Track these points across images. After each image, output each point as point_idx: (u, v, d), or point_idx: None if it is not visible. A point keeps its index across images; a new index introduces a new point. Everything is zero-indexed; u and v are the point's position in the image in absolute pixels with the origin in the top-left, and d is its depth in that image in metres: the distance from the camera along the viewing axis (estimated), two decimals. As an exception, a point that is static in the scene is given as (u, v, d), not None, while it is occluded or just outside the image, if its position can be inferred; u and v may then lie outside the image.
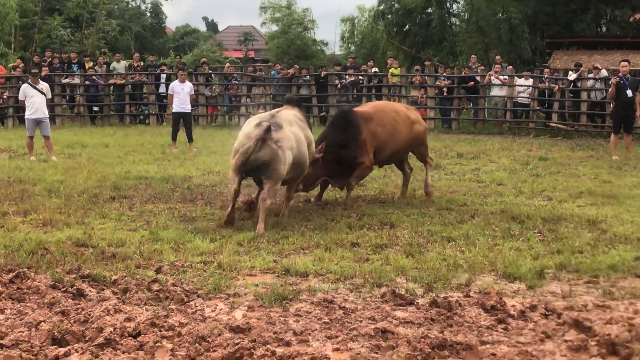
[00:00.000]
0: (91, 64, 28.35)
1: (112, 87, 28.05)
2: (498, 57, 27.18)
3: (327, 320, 6.10)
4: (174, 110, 19.78)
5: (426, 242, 9.12)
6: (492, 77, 25.37)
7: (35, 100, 17.25)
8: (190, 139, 19.49)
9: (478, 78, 25.78)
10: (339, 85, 27.10)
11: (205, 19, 75.57)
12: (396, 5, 33.48)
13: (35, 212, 10.48)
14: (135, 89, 27.75)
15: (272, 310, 6.37)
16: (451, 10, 34.60)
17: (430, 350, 5.32)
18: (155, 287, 6.88)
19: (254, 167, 9.83)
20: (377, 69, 27.64)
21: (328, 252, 8.49)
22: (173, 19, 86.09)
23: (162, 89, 26.80)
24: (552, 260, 8.17)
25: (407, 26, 33.92)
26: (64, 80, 27.26)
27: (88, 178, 13.79)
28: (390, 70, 26.88)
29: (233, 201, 10.11)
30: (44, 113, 17.41)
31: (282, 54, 34.81)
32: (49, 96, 17.83)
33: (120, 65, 28.53)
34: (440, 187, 13.38)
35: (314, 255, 8.33)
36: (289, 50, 34.47)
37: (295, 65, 28.63)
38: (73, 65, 28.38)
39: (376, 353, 5.43)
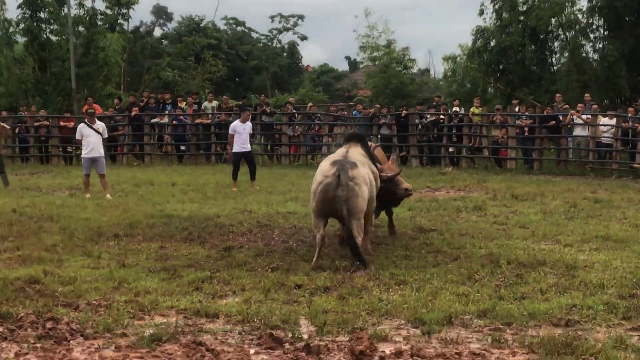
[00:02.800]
0: (184, 104, 29.28)
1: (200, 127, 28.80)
2: (587, 95, 26.47)
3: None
4: (235, 151, 19.90)
5: (373, 286, 9.03)
6: (574, 117, 24.68)
7: (91, 139, 18.00)
8: (252, 178, 19.80)
9: (561, 117, 25.13)
10: (420, 125, 26.99)
11: (347, 58, 76.36)
12: (491, 43, 33.14)
13: (23, 249, 10.95)
14: (221, 128, 28.42)
15: (136, 351, 6.48)
16: (550, 47, 33.87)
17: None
18: (49, 324, 7.10)
19: (335, 206, 10.15)
20: (457, 109, 27.38)
21: (262, 294, 8.53)
22: (320, 57, 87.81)
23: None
24: (480, 306, 7.96)
25: (502, 64, 33.45)
26: (153, 120, 28.27)
27: (114, 216, 14.27)
28: (471, 110, 26.60)
29: (319, 248, 10.36)
30: (99, 152, 18.13)
31: (379, 93, 34.93)
32: (105, 135, 18.54)
33: (211, 105, 29.33)
34: (453, 230, 13.16)
35: (244, 297, 8.40)
36: (386, 89, 34.51)
37: (377, 105, 28.68)
38: (167, 105, 29.40)
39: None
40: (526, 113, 25.89)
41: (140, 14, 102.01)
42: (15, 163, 28.13)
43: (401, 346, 6.65)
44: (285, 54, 62.36)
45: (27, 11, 36.35)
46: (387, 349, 6.57)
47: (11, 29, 35.73)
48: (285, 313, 7.64)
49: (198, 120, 28.42)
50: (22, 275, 9.25)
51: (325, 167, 10.51)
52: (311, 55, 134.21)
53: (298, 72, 62.13)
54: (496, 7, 33.36)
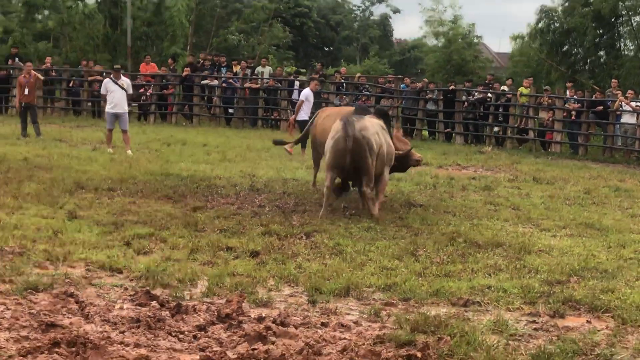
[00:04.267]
0: (238, 67, 29.44)
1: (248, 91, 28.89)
2: (643, 82, 25.66)
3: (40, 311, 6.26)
4: (302, 118, 18.92)
5: (309, 254, 9.00)
6: (623, 103, 23.92)
7: (115, 94, 18.31)
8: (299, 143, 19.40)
9: (609, 103, 24.39)
10: (466, 103, 26.59)
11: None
12: (555, 24, 32.32)
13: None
14: (269, 93, 28.48)
15: (6, 298, 6.59)
16: (619, 31, 32.80)
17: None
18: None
19: (345, 159, 10.98)
20: (506, 88, 26.80)
21: (185, 254, 8.61)
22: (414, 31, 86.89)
23: (294, 96, 27.29)
24: (390, 280, 7.88)
25: (565, 46, 32.59)
26: (203, 82, 28.51)
27: (114, 171, 14.51)
28: (519, 90, 26.03)
29: (326, 199, 11.38)
30: (122, 108, 18.41)
31: (440, 68, 34.55)
32: (130, 92, 18.79)
33: (265, 70, 29.41)
34: (440, 207, 13.00)
35: (163, 255, 8.50)
36: (447, 65, 34.10)
37: (425, 79, 28.34)
38: (222, 68, 29.61)
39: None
40: (574, 96, 25.18)
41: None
42: (68, 115, 28.75)
43: (270, 312, 6.63)
44: (376, 26, 61.89)
45: (102, -33, 37.04)
46: (254, 313, 6.56)
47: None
48: (188, 273, 7.69)
49: (247, 85, 28.50)
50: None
51: (335, 125, 11.29)
52: (409, 30, 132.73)
53: (389, 45, 61.64)
54: (566, -14, 32.43)
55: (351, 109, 13.16)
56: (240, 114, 28.75)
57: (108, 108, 18.46)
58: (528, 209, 13.32)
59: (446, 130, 26.99)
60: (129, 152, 17.87)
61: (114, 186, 12.88)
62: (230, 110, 28.89)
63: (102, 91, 18.73)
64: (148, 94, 28.72)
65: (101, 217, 10.33)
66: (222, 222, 10.57)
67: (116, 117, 18.38)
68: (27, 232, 9.07)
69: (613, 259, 9.51)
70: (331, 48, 61.15)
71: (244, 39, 40.29)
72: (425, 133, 27.98)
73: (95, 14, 36.36)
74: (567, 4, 32.23)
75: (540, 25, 32.51)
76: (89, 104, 29.29)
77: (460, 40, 35.15)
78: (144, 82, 29.03)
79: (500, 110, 26.43)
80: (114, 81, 18.38)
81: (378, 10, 64.66)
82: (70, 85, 29.33)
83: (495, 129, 26.47)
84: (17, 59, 28.69)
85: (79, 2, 36.37)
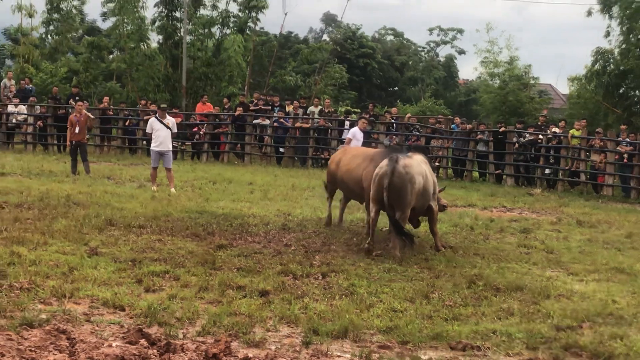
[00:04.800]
0: (290, 107, 29.70)
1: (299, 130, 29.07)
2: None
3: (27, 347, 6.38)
4: None
5: (320, 294, 9.00)
6: (677, 147, 23.46)
7: (160, 133, 18.61)
8: None
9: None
10: (517, 144, 26.35)
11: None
12: (611, 66, 31.87)
13: (24, 232, 11.49)
14: (320, 133, 28.61)
15: (1, 333, 6.72)
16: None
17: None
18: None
19: (387, 194, 11.41)
20: (557, 130, 26.47)
21: (193, 292, 8.67)
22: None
23: (344, 135, 27.35)
24: (394, 323, 7.84)
25: (621, 88, 32.08)
26: (255, 121, 28.79)
27: (150, 209, 14.71)
28: (570, 132, 25.71)
29: (372, 230, 11.92)
30: (167, 146, 18.70)
31: (495, 109, 34.33)
32: (175, 130, 19.07)
33: (316, 110, 29.59)
34: (470, 249, 12.89)
35: (170, 292, 8.57)
36: (502, 106, 33.88)
37: (475, 121, 28.16)
38: (275, 107, 29.90)
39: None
40: (627, 139, 24.76)
41: (310, 22, 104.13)
42: (123, 154, 29.26)
43: (259, 352, 6.64)
44: (441, 67, 61.95)
45: (164, 10, 37.86)
46: (241, 353, 6.57)
47: (145, 26, 37.06)
48: (189, 311, 7.74)
49: (298, 124, 28.69)
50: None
51: (383, 162, 11.80)
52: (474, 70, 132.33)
53: (454, 86, 61.67)
54: (623, 29, 31.98)
55: (378, 150, 13.32)
56: (291, 153, 28.90)
57: (153, 146, 18.75)
58: (562, 252, 13.15)
59: (497, 172, 26.73)
60: (173, 190, 18.08)
61: (145, 223, 13.05)
62: (281, 150, 29.06)
63: (148, 130, 19.04)
64: (201, 132, 29.10)
65: (122, 254, 10.48)
66: (242, 260, 10.65)
67: (161, 155, 18.64)
68: (43, 268, 9.24)
69: (633, 305, 9.34)
70: (395, 88, 61.34)
71: (300, 79, 40.59)
72: (476, 174, 27.73)
73: (156, 54, 37.03)
74: (623, 45, 31.77)
75: (596, 67, 32.07)
76: (145, 142, 29.71)
77: (514, 82, 34.81)
78: (198, 122, 29.42)
79: (552, 152, 26.09)
80: (159, 120, 18.68)
81: (443, 51, 64.76)
82: (127, 124, 29.85)
83: (547, 171, 26.12)
84: (77, 99, 29.32)
85: (142, 43, 37.04)
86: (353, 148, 15.42)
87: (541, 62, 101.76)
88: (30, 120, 29.64)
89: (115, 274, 9.33)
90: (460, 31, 63.08)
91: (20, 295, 7.96)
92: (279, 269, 10.21)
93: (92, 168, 21.56)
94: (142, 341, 6.56)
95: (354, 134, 19.32)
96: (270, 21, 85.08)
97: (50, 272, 9.10)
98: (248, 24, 38.78)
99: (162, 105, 20.05)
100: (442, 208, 13.58)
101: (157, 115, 19.08)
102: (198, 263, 10.19)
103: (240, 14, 38.62)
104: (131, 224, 12.85)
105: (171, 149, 19.03)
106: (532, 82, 36.15)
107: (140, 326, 7.01)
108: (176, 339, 6.88)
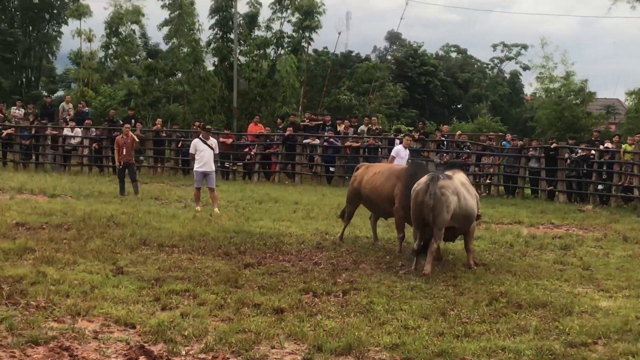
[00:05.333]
0: (342, 126, 29.76)
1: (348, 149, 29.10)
2: None
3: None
4: None
5: (335, 311, 9.01)
6: None
7: (204, 154, 18.83)
8: None
9: None
10: (569, 160, 25.99)
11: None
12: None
13: (56, 252, 11.72)
14: (370, 152, 28.60)
15: (4, 350, 6.86)
16: None
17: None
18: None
19: (423, 213, 11.60)
20: (610, 145, 26.02)
21: (207, 310, 8.74)
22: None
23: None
24: (410, 339, 7.81)
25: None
26: (305, 141, 28.91)
27: (188, 228, 14.86)
28: (623, 147, 25.27)
29: (431, 252, 11.74)
30: (210, 167, 18.91)
31: (550, 125, 33.95)
32: (217, 151, 19.27)
33: (366, 129, 29.59)
34: (503, 266, 12.75)
35: (182, 310, 8.64)
36: (558, 122, 33.48)
37: (526, 137, 27.85)
38: (326, 127, 29.99)
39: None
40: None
41: (374, 40, 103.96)
42: (176, 175, 29.64)
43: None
44: (506, 84, 61.29)
45: (219, 32, 38.35)
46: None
47: (200, 49, 37.57)
48: (198, 329, 7.81)
49: (347, 143, 28.72)
50: (14, 274, 9.93)
51: (422, 179, 11.87)
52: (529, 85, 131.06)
53: (519, 103, 60.96)
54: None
55: (403, 166, 13.44)
56: (341, 172, 28.91)
57: (197, 167, 18.96)
58: (598, 268, 12.94)
59: (549, 188, 26.36)
60: (216, 209, 18.24)
61: (178, 242, 13.20)
62: (332, 169, 29.11)
63: (191, 151, 19.25)
64: (252, 153, 29.33)
65: (147, 273, 10.61)
66: (266, 278, 10.71)
67: (204, 175, 18.85)
68: (64, 287, 9.40)
69: (656, 321, 9.14)
70: (459, 105, 60.92)
71: (355, 98, 40.66)
72: (528, 191, 27.40)
73: (210, 76, 37.48)
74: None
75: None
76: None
77: (570, 97, 34.40)
78: (249, 142, 29.67)
79: (604, 167, 25.65)
80: (203, 141, 18.91)
81: (508, 67, 64.14)
82: (179, 145, 30.23)
83: (600, 187, 25.68)
84: (132, 121, 29.80)
85: (198, 65, 37.55)
86: (374, 165, 15.48)
87: (608, 76, 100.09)
88: (86, 142, 30.20)
89: (135, 292, 9.45)
90: (525, 47, 62.38)
91: (36, 314, 8.11)
92: (301, 287, 10.23)
93: (142, 189, 21.89)
94: (142, 358, 6.64)
95: (398, 152, 19.34)
96: (333, 41, 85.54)
97: (70, 291, 9.26)
98: (302, 44, 38.98)
99: (207, 127, 20.30)
100: (477, 217, 13.31)
101: (200, 136, 19.30)
102: (220, 281, 10.27)
103: (294, 34, 38.87)
104: (164, 243, 13.01)
105: (214, 169, 19.23)
106: (595, 97, 35.57)
107: (144, 343, 7.08)
108: (178, 356, 6.93)
